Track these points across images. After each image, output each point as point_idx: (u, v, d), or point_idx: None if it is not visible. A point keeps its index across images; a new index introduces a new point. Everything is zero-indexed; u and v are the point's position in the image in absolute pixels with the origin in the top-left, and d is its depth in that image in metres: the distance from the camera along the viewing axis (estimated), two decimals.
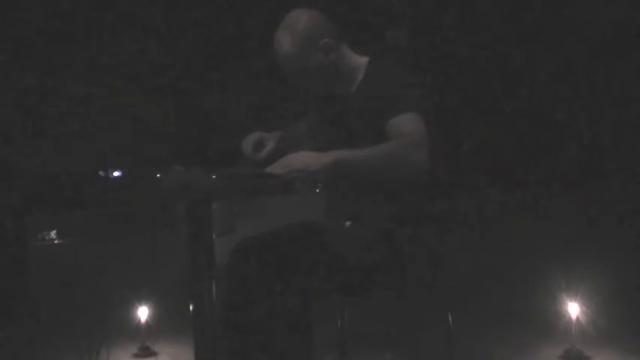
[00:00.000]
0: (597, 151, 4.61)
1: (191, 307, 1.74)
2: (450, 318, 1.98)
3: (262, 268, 1.83)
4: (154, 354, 2.83)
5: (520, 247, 4.10)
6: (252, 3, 4.52)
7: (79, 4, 4.26)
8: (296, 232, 2.00)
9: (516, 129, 4.74)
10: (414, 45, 4.67)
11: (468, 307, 2.84)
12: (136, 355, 2.81)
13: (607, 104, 4.58)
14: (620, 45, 4.54)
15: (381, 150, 1.74)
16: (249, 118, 4.34)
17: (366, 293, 1.93)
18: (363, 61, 1.99)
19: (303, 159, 1.71)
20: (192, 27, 4.57)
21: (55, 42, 4.18)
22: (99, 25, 4.32)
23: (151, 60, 4.41)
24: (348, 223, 1.96)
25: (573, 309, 2.64)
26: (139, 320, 2.86)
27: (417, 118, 1.78)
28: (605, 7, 4.50)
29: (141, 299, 2.91)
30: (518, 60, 4.69)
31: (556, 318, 2.72)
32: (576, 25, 4.61)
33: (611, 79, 4.55)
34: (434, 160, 1.93)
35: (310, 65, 1.91)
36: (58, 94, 4.13)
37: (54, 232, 3.82)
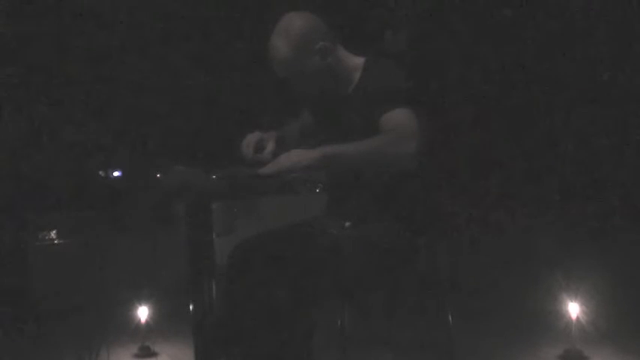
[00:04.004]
0: (597, 150, 4.61)
1: (191, 307, 1.74)
2: (450, 318, 1.98)
3: (262, 268, 1.83)
4: (154, 354, 2.83)
5: (520, 247, 4.10)
6: (249, 3, 4.53)
7: (79, 2, 4.26)
8: (296, 232, 2.00)
9: (515, 128, 4.74)
10: (413, 46, 4.67)
11: (468, 307, 2.85)
12: (136, 355, 2.82)
13: (607, 107, 4.59)
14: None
15: (368, 143, 1.74)
16: (248, 117, 4.34)
17: (366, 293, 1.93)
18: (359, 61, 1.99)
19: (293, 157, 1.72)
20: (191, 27, 4.57)
21: (55, 41, 4.19)
22: (99, 25, 4.32)
23: (151, 59, 4.41)
24: (347, 224, 1.96)
25: (573, 309, 2.64)
26: (139, 320, 2.86)
27: (408, 113, 1.78)
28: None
29: (141, 299, 2.91)
30: (518, 60, 4.69)
31: (556, 318, 2.73)
32: (576, 26, 4.61)
33: (613, 82, 4.56)
34: (434, 159, 1.93)
35: (307, 69, 1.90)
36: (58, 94, 4.13)
37: (54, 232, 3.81)
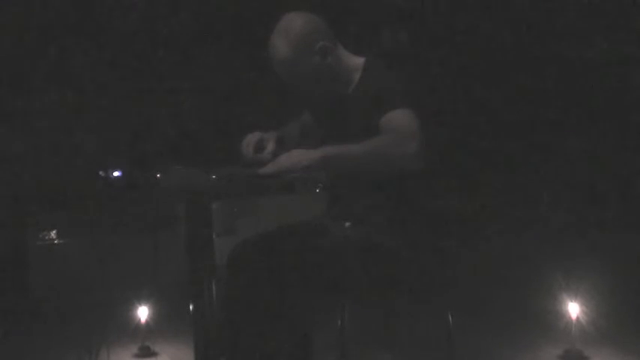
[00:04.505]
0: (597, 150, 4.61)
1: (191, 307, 1.75)
2: (450, 318, 1.98)
3: (262, 268, 1.83)
4: (154, 354, 2.83)
5: (520, 247, 4.10)
6: (249, 3, 4.53)
7: (79, 3, 4.27)
8: (296, 232, 2.00)
9: (516, 127, 4.74)
10: (413, 44, 4.67)
11: (468, 307, 2.84)
12: (136, 355, 2.82)
13: (607, 104, 4.59)
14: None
15: (369, 144, 1.74)
16: (248, 118, 4.34)
17: (366, 293, 1.93)
18: (359, 61, 1.99)
19: (293, 157, 1.72)
20: (191, 26, 4.57)
21: (55, 40, 4.19)
22: (99, 24, 4.32)
23: (150, 59, 4.41)
24: (347, 224, 1.96)
25: (573, 309, 2.64)
26: (139, 320, 2.86)
27: (409, 113, 1.78)
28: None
29: (141, 299, 2.91)
30: (518, 59, 4.69)
31: (556, 318, 2.73)
32: (576, 25, 4.61)
33: (613, 80, 4.55)
34: (433, 159, 1.93)
35: (307, 69, 1.90)
36: (58, 94, 4.13)
37: (54, 232, 3.81)
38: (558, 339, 2.67)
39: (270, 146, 2.10)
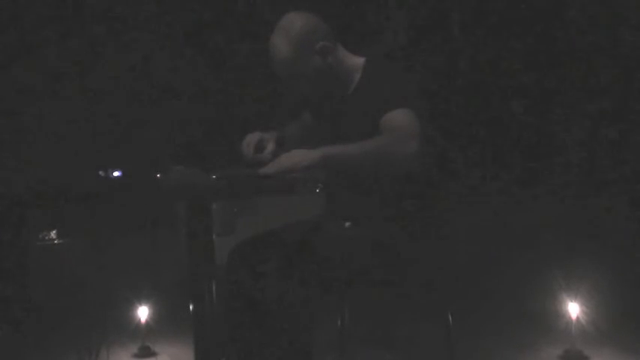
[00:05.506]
0: (598, 150, 4.61)
1: (191, 307, 1.75)
2: (450, 318, 1.98)
3: (262, 268, 1.83)
4: (154, 354, 2.83)
5: (520, 246, 4.09)
6: (249, 3, 4.53)
7: (78, 4, 4.27)
8: (295, 232, 2.00)
9: (516, 128, 4.74)
10: (412, 44, 4.67)
11: (468, 307, 2.85)
12: (136, 355, 2.82)
13: (608, 105, 4.59)
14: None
15: (370, 144, 1.74)
16: (248, 118, 4.34)
17: (366, 293, 1.94)
18: (359, 61, 1.99)
19: (294, 157, 1.72)
20: (191, 26, 4.57)
21: (55, 41, 4.19)
22: (98, 25, 4.33)
23: (150, 59, 4.42)
24: (347, 224, 1.96)
25: (573, 309, 2.64)
26: (139, 320, 2.86)
27: (409, 113, 1.78)
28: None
29: (141, 299, 2.91)
30: (518, 59, 4.69)
31: (556, 318, 2.73)
32: (577, 24, 4.61)
33: (613, 79, 4.55)
34: (433, 159, 1.93)
35: (307, 69, 1.90)
36: (58, 94, 4.13)
37: (54, 232, 3.81)
38: (558, 339, 2.67)
39: (270, 146, 2.10)
